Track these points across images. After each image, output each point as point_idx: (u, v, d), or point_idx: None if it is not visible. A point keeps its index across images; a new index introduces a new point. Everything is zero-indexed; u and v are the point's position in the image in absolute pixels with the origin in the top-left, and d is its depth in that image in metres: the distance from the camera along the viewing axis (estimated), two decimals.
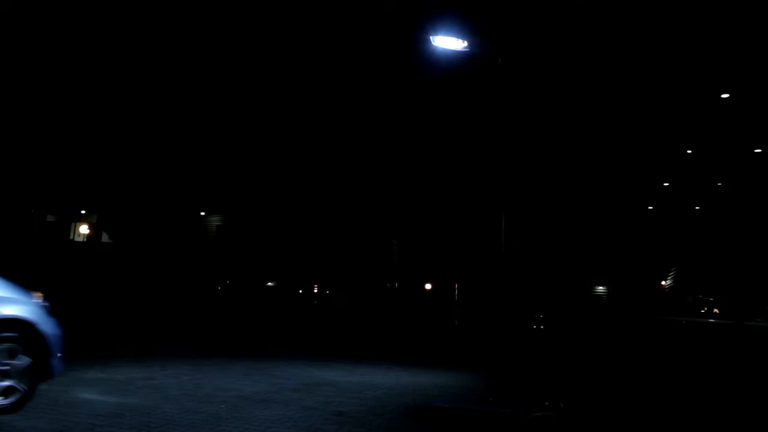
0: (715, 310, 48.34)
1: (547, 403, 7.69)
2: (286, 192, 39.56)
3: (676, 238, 53.08)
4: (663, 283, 57.45)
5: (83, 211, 40.26)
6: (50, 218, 38.24)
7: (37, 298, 6.30)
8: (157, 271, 34.74)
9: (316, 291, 42.30)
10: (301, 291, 41.46)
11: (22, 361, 5.92)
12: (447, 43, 9.42)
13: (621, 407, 8.66)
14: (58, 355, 6.27)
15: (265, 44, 36.63)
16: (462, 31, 9.44)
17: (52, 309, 6.42)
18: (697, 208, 52.00)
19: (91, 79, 34.31)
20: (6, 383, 5.81)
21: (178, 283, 34.37)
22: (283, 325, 23.36)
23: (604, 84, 38.86)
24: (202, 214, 43.94)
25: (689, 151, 45.94)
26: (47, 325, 6.20)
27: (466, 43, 9.33)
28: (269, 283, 41.67)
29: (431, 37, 9.35)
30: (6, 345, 5.82)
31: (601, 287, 54.31)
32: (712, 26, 36.84)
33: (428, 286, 40.92)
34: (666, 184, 49.24)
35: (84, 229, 40.63)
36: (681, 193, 49.64)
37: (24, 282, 6.33)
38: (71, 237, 39.79)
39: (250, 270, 40.17)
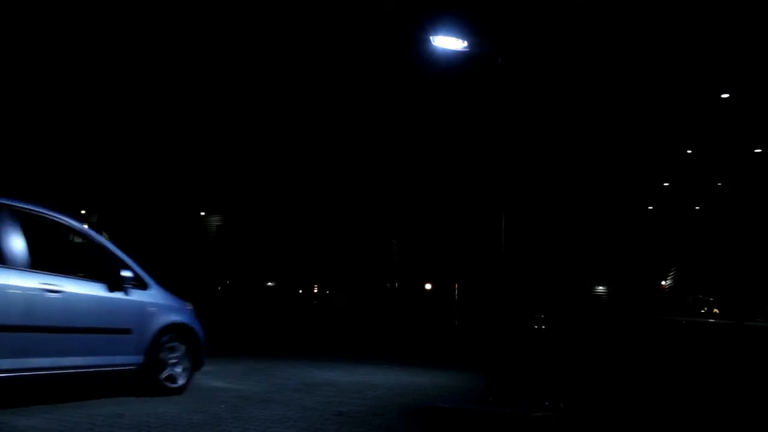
0: (715, 310, 48.31)
1: (547, 403, 7.68)
2: (286, 192, 39.56)
3: (676, 238, 53.09)
4: (663, 283, 57.47)
5: (83, 211, 40.27)
6: None
7: (188, 304, 8.13)
8: (157, 270, 34.69)
9: (316, 291, 42.31)
10: (301, 291, 41.47)
11: (184, 354, 7.75)
12: (447, 43, 9.40)
13: (621, 407, 8.67)
14: (204, 350, 8.09)
15: (265, 44, 36.65)
16: (462, 31, 9.43)
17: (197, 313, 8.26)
18: (697, 208, 52.00)
19: (92, 79, 34.32)
20: (176, 370, 7.61)
21: (178, 282, 34.34)
22: (283, 325, 23.36)
23: (604, 84, 38.87)
24: (202, 214, 43.96)
25: (689, 151, 45.95)
26: (197, 327, 8.05)
27: (466, 43, 9.31)
28: (269, 283, 41.68)
29: (431, 37, 9.34)
30: (175, 343, 7.63)
31: (601, 287, 54.33)
32: (712, 26, 36.85)
33: (428, 286, 40.91)
34: (666, 184, 49.24)
35: None
36: (681, 193, 49.65)
37: None
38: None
39: (250, 270, 40.18)
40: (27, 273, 6.23)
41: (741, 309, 41.46)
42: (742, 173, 46.74)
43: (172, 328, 7.58)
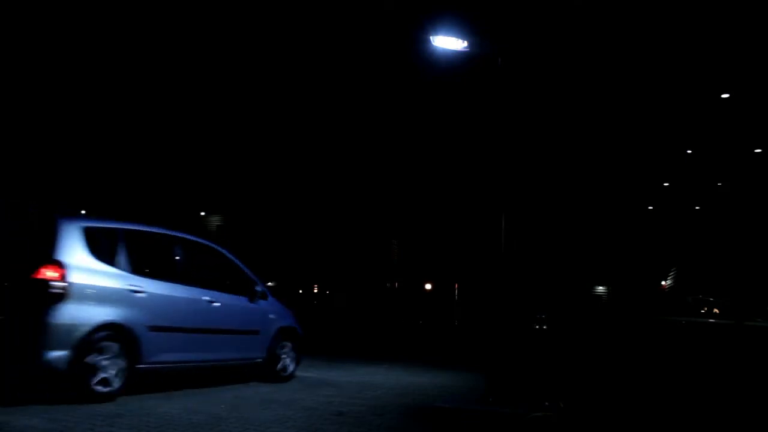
0: (715, 310, 48.37)
1: (547, 403, 7.68)
2: (286, 192, 39.55)
3: (676, 238, 53.07)
4: (663, 283, 57.47)
5: (83, 211, 40.25)
6: None
7: (292, 311, 10.06)
8: None
9: (316, 291, 42.27)
10: (301, 291, 41.42)
11: (291, 351, 9.68)
12: (447, 43, 9.40)
13: (621, 407, 8.66)
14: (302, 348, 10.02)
15: (265, 44, 36.63)
16: (462, 31, 9.43)
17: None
18: (697, 208, 51.98)
19: (92, 78, 34.32)
20: (286, 363, 9.57)
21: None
22: None
23: (604, 84, 38.85)
24: (202, 214, 43.94)
25: (689, 151, 45.93)
26: (299, 329, 9.98)
27: (466, 43, 9.31)
28: (269, 283, 41.57)
29: (431, 37, 9.33)
30: (285, 342, 9.58)
31: (601, 287, 54.29)
32: (712, 26, 36.84)
33: (428, 286, 40.88)
34: (666, 184, 49.22)
35: None
36: (681, 193, 49.62)
37: None
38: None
39: (249, 270, 40.07)
40: (197, 289, 8.30)
41: (741, 309, 41.47)
42: (742, 173, 46.72)
43: (283, 330, 9.58)
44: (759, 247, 46.73)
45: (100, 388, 6.93)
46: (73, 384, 6.84)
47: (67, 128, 34.33)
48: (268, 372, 9.34)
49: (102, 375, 6.97)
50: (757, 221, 47.43)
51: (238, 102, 37.72)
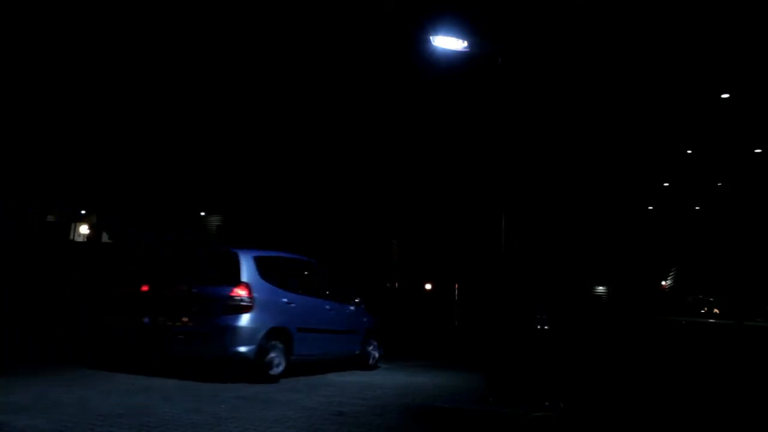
0: (715, 310, 48.42)
1: (547, 403, 7.68)
2: (286, 192, 39.54)
3: (676, 238, 53.06)
4: (663, 283, 57.48)
5: (83, 211, 40.19)
6: (50, 218, 38.16)
7: (366, 309, 12.32)
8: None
9: None
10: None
11: (375, 346, 12.00)
12: (447, 43, 9.41)
13: (621, 407, 8.66)
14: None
15: (265, 44, 36.63)
16: (462, 31, 9.44)
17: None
18: (697, 208, 51.97)
19: (91, 78, 34.31)
20: (373, 354, 11.92)
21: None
22: None
23: (604, 84, 38.84)
24: (202, 214, 43.93)
25: (689, 151, 45.91)
26: (380, 327, 12.37)
27: (466, 43, 9.32)
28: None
29: (431, 37, 9.35)
30: (371, 339, 11.94)
31: (601, 287, 54.25)
32: (712, 26, 36.84)
33: (428, 286, 40.84)
34: (666, 184, 49.20)
35: (84, 229, 40.51)
36: (681, 193, 49.60)
37: None
38: (71, 237, 39.65)
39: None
40: (320, 300, 11.00)
41: (741, 309, 41.50)
42: (742, 173, 46.70)
43: (370, 330, 11.98)
44: (759, 247, 46.72)
45: (272, 371, 9.45)
46: (255, 369, 9.29)
47: (66, 128, 34.31)
48: (360, 362, 11.62)
49: (273, 363, 9.50)
50: (757, 221, 47.42)
51: (237, 101, 37.70)
